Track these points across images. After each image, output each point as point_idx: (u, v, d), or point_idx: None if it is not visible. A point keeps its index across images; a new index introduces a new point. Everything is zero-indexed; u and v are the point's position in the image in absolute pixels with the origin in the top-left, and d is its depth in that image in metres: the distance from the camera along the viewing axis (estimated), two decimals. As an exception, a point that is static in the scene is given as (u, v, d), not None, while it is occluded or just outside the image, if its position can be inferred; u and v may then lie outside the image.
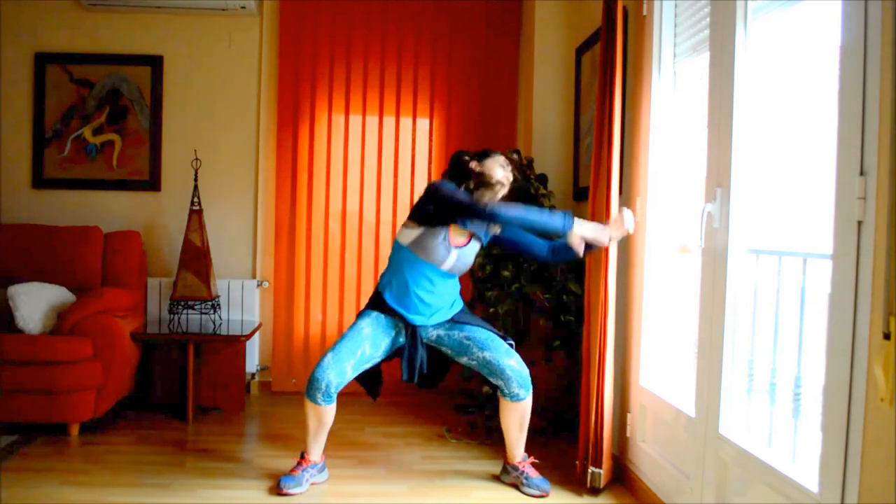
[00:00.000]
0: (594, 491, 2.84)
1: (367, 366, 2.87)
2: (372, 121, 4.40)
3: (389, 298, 2.86)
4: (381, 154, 4.40)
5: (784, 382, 2.05)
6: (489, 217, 2.66)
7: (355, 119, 4.40)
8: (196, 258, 3.97)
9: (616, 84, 2.80)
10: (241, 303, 4.29)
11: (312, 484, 2.89)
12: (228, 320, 4.19)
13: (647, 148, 2.87)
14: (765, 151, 2.16)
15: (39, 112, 4.29)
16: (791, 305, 2.03)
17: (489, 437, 3.47)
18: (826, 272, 1.71)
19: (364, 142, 4.40)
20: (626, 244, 3.04)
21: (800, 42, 2.06)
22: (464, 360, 2.89)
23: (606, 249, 2.79)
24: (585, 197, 3.28)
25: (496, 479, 3.01)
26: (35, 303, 3.53)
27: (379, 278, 2.97)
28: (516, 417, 2.90)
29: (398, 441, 3.50)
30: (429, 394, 4.33)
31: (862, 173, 1.57)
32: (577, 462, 2.93)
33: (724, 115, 2.23)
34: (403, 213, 4.39)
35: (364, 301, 4.39)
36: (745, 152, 2.18)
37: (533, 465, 2.95)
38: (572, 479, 2.95)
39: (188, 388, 3.73)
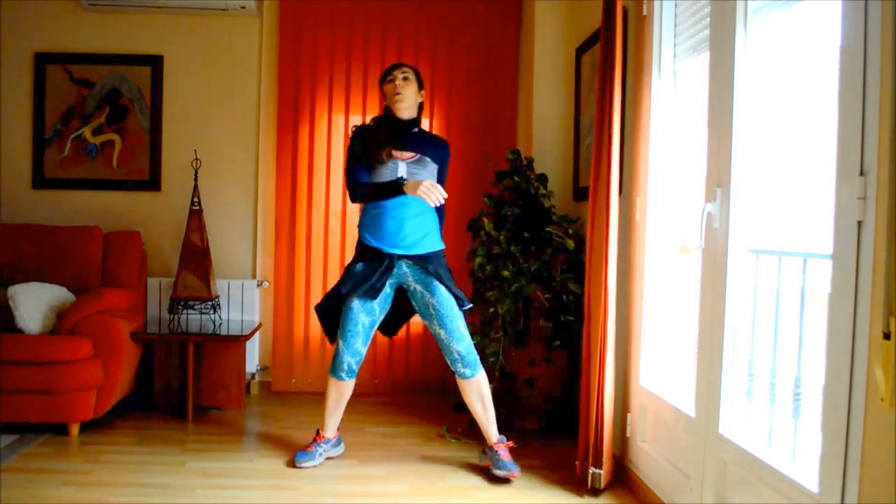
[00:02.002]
0: (595, 491, 2.84)
1: (374, 328, 3.10)
2: (372, 121, 4.40)
3: (367, 236, 3.05)
4: (381, 154, 4.39)
5: (784, 382, 2.05)
6: (353, 192, 3.11)
7: (355, 119, 4.39)
8: (196, 258, 3.97)
9: (616, 84, 2.80)
10: (241, 303, 4.29)
11: (328, 458, 3.16)
12: (228, 320, 4.19)
13: (647, 148, 2.87)
14: (765, 151, 2.16)
15: (39, 112, 4.30)
16: (791, 305, 2.03)
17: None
18: (826, 272, 1.71)
19: (364, 142, 4.40)
20: (626, 244, 3.04)
21: (800, 42, 2.06)
22: (426, 322, 3.10)
23: (607, 249, 2.79)
24: (585, 197, 3.28)
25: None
26: (35, 303, 3.53)
27: (358, 230, 3.14)
28: (474, 395, 3.07)
29: (398, 441, 3.50)
30: (429, 394, 4.33)
31: (862, 173, 1.57)
32: (577, 462, 2.93)
33: (724, 115, 2.23)
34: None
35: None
36: (745, 152, 2.18)
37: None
38: (572, 480, 2.95)
39: (188, 387, 3.73)
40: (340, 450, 3.26)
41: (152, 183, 4.34)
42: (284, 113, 4.36)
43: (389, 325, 3.27)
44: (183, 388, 3.82)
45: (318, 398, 4.25)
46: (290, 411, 4.00)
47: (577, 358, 3.44)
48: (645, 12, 2.89)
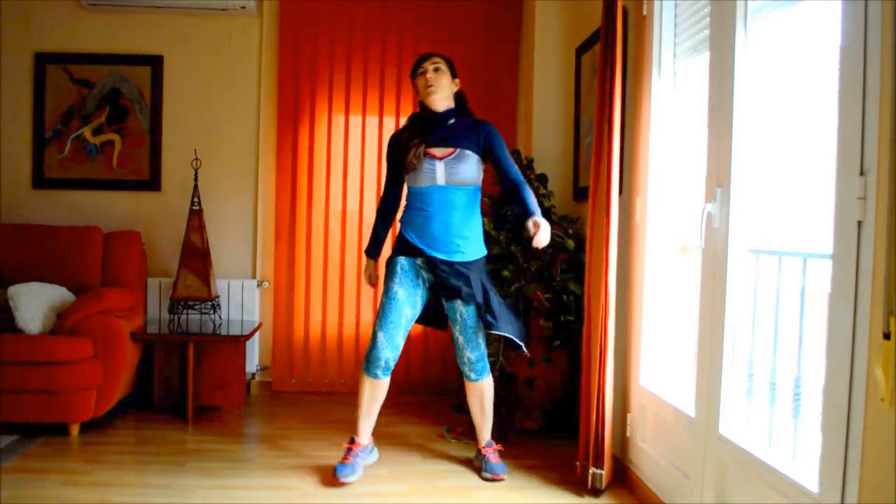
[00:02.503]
0: (595, 492, 2.84)
1: (412, 323, 3.02)
2: (372, 121, 4.40)
3: (410, 234, 2.96)
4: (380, 154, 4.40)
5: (784, 382, 2.05)
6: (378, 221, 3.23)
7: (355, 119, 4.40)
8: (196, 258, 3.97)
9: (616, 84, 2.80)
10: (241, 303, 4.29)
11: (365, 467, 3.03)
12: (228, 320, 4.19)
13: (647, 148, 2.87)
14: (765, 151, 2.16)
15: (39, 112, 4.30)
16: (791, 305, 2.03)
17: (489, 437, 3.47)
18: (826, 272, 1.71)
19: (364, 142, 4.40)
20: (626, 244, 3.04)
21: (800, 42, 2.05)
22: (450, 321, 3.02)
23: (607, 249, 2.79)
24: (585, 197, 3.28)
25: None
26: (35, 303, 3.53)
27: (399, 227, 3.08)
28: (474, 398, 3.06)
29: (398, 441, 3.49)
30: (429, 394, 4.33)
31: (862, 173, 1.57)
32: (578, 462, 2.93)
33: (724, 115, 2.23)
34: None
35: (364, 302, 4.40)
36: (745, 152, 2.18)
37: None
38: (573, 480, 2.95)
39: (188, 388, 3.73)
40: (375, 456, 3.14)
41: (152, 183, 4.34)
42: (284, 113, 4.36)
43: (436, 318, 3.14)
44: (183, 388, 3.82)
45: (318, 398, 4.26)
46: (290, 411, 4.00)
47: (577, 358, 3.44)
48: (645, 12, 2.89)
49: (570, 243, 3.44)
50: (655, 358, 2.84)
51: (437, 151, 2.91)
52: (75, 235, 3.94)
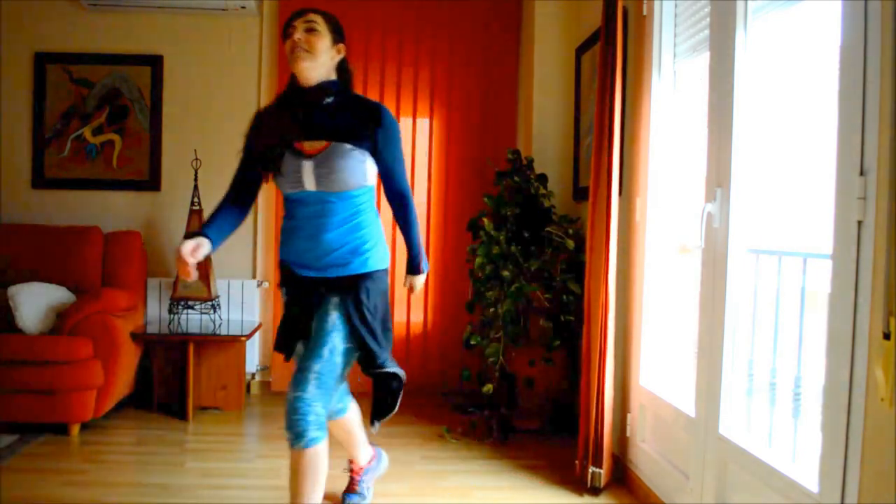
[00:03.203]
0: (594, 491, 2.84)
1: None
2: (372, 121, 4.40)
3: (281, 250, 2.34)
4: (381, 154, 4.39)
5: (784, 382, 2.05)
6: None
7: (355, 119, 4.39)
8: (196, 258, 3.96)
9: (616, 84, 2.80)
10: (241, 303, 4.29)
11: (376, 480, 2.78)
12: (228, 320, 4.19)
13: (647, 148, 2.87)
14: (765, 151, 2.16)
15: (39, 112, 4.30)
16: (791, 305, 2.03)
17: (489, 436, 3.47)
18: (826, 272, 1.71)
19: (364, 142, 4.39)
20: (626, 244, 3.04)
21: (800, 42, 2.06)
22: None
23: (607, 249, 2.79)
24: (585, 197, 3.28)
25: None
26: (35, 303, 3.53)
27: None
28: (339, 429, 2.62)
29: (398, 441, 3.49)
30: (429, 394, 4.33)
31: (862, 173, 1.57)
32: (577, 462, 2.93)
33: (724, 115, 2.23)
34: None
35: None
36: (745, 152, 2.18)
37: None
38: (572, 479, 2.95)
39: (188, 388, 3.73)
40: (384, 464, 2.82)
41: (152, 183, 4.34)
42: (284, 113, 4.35)
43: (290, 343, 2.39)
44: (183, 388, 3.82)
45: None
46: (290, 411, 4.00)
47: (577, 358, 3.44)
48: (645, 12, 2.89)
49: (570, 243, 3.44)
50: (655, 358, 2.84)
51: (306, 145, 2.18)
52: (75, 235, 3.94)
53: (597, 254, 2.86)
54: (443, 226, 4.39)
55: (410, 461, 3.22)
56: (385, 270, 2.34)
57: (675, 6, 2.76)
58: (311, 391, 2.12)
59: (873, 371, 1.50)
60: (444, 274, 4.39)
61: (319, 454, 2.13)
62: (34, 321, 3.49)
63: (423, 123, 4.42)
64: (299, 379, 2.14)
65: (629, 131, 3.02)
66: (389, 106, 4.39)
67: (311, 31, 2.19)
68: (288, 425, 2.10)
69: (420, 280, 2.57)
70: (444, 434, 3.57)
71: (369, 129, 2.20)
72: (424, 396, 4.31)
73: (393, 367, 2.37)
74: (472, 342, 3.61)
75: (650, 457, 2.77)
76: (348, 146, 2.17)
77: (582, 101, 3.74)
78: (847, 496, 1.59)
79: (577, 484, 2.90)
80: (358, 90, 4.28)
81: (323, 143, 2.18)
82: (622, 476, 2.96)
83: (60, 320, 3.50)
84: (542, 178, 3.73)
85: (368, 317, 2.23)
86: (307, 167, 2.18)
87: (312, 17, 2.20)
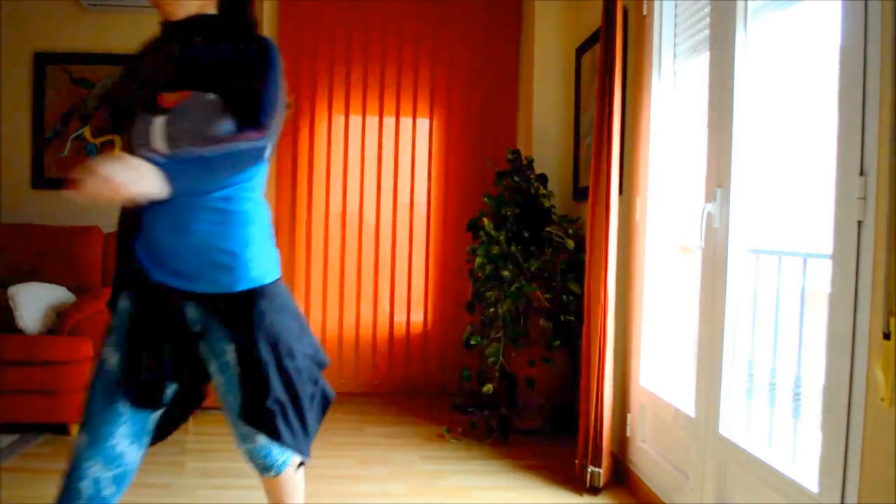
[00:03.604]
0: (593, 490, 2.84)
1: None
2: (372, 121, 4.40)
3: (138, 248, 1.66)
4: (381, 154, 4.40)
5: (784, 382, 2.05)
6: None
7: (355, 119, 4.40)
8: (196, 258, 3.96)
9: (616, 84, 2.80)
10: (241, 303, 4.28)
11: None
12: (228, 320, 4.18)
13: (647, 148, 2.87)
14: (765, 151, 2.16)
15: (39, 112, 4.29)
16: (791, 305, 2.03)
17: (489, 436, 3.47)
18: (826, 272, 1.71)
19: (364, 142, 4.40)
20: (626, 244, 3.04)
21: (800, 42, 2.06)
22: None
23: (607, 249, 2.79)
24: (585, 197, 3.28)
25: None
26: (35, 303, 3.53)
27: None
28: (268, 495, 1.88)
29: (398, 441, 3.49)
30: (429, 394, 4.33)
31: (862, 173, 1.57)
32: (577, 461, 2.93)
33: (724, 115, 2.23)
34: (404, 213, 4.40)
35: (364, 302, 4.39)
36: (745, 152, 2.18)
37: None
38: (572, 479, 2.95)
39: (188, 388, 3.72)
40: None
41: (152, 183, 4.33)
42: (284, 113, 4.35)
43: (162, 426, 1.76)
44: (183, 388, 3.81)
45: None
46: (290, 411, 3.99)
47: (577, 358, 3.44)
48: (645, 12, 2.89)
49: (570, 243, 3.44)
50: (655, 358, 2.84)
51: (169, 96, 1.64)
52: (75, 235, 3.94)
53: (597, 254, 2.86)
54: (443, 226, 4.39)
55: (410, 461, 3.22)
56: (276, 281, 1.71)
57: (675, 6, 2.76)
58: None
59: (873, 371, 1.50)
60: (444, 274, 4.39)
61: None
62: (34, 321, 3.48)
63: (423, 124, 4.41)
64: None
65: (629, 131, 3.02)
66: (390, 106, 4.39)
67: None
68: None
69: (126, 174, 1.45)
70: (444, 434, 3.57)
71: (233, 63, 1.64)
72: (424, 396, 4.31)
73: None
74: (472, 342, 3.61)
75: (650, 457, 2.77)
76: (209, 95, 1.59)
77: (582, 101, 3.74)
78: (847, 496, 1.59)
79: (577, 484, 2.90)
80: (357, 90, 4.37)
81: (179, 95, 1.62)
82: (622, 476, 2.96)
83: (60, 320, 3.49)
84: (542, 178, 3.73)
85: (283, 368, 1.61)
86: (157, 124, 1.58)
87: None
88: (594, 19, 3.42)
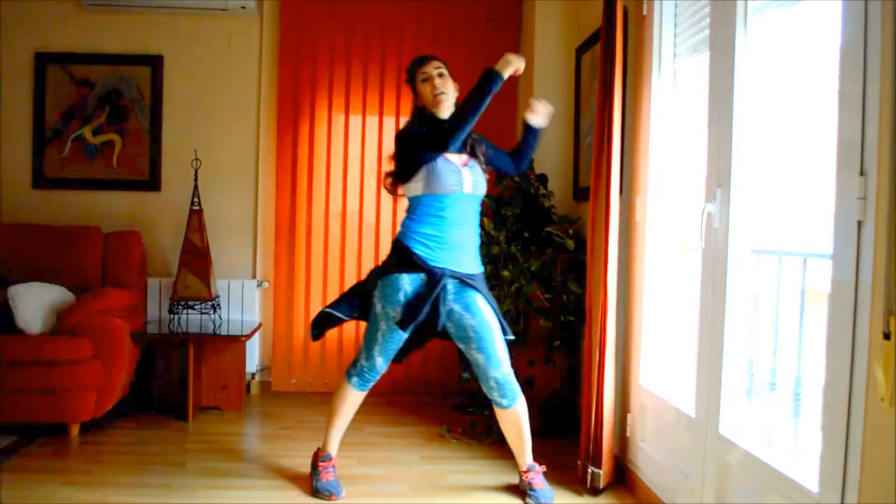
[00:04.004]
0: (594, 491, 2.84)
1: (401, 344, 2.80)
2: (372, 121, 4.40)
3: (418, 246, 2.68)
4: (381, 154, 4.40)
5: (784, 382, 2.05)
6: (448, 129, 2.67)
7: (355, 119, 4.40)
8: (196, 258, 3.97)
9: (616, 84, 2.80)
10: (241, 303, 4.29)
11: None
12: (228, 320, 4.19)
13: (647, 148, 2.87)
14: (765, 151, 2.16)
15: (39, 112, 4.29)
16: (791, 305, 2.03)
17: (489, 436, 3.47)
18: (826, 272, 1.71)
19: (364, 142, 4.40)
20: (626, 244, 3.04)
21: (800, 42, 2.06)
22: (461, 346, 2.76)
23: (607, 249, 2.79)
24: (586, 197, 3.28)
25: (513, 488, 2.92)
26: (35, 303, 3.53)
27: (399, 233, 2.77)
28: (508, 424, 2.81)
29: (398, 441, 3.49)
30: (429, 394, 4.33)
31: (862, 173, 1.57)
32: (578, 462, 2.93)
33: (724, 115, 2.23)
34: (403, 213, 4.38)
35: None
36: (745, 152, 2.18)
37: (544, 472, 2.88)
38: (573, 480, 2.95)
39: (188, 388, 3.73)
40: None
41: (152, 183, 4.34)
42: (284, 113, 4.36)
43: (402, 350, 2.85)
44: (183, 388, 3.82)
45: (318, 398, 4.26)
46: (290, 411, 4.00)
47: (577, 358, 3.44)
48: (645, 12, 2.89)
49: (570, 243, 3.44)
50: (655, 358, 2.84)
51: (454, 158, 2.73)
52: (75, 235, 3.94)
53: (597, 254, 2.86)
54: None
55: (410, 461, 3.22)
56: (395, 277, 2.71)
57: (675, 6, 2.76)
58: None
59: (873, 371, 1.50)
60: (444, 274, 4.38)
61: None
62: (34, 321, 3.49)
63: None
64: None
65: (629, 131, 3.02)
66: (390, 106, 4.40)
67: (442, 75, 2.83)
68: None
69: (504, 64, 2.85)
70: (444, 434, 3.57)
71: (483, 146, 2.88)
72: (424, 396, 4.31)
73: None
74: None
75: (650, 457, 2.77)
76: (477, 161, 2.84)
77: (582, 101, 3.74)
78: (847, 496, 1.58)
79: (578, 484, 2.90)
80: (357, 90, 4.37)
81: (465, 157, 2.79)
82: (622, 476, 2.96)
83: (60, 320, 3.50)
84: (542, 178, 3.73)
85: None
86: (466, 173, 2.74)
87: (439, 64, 2.87)
88: (594, 19, 3.42)
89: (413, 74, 2.85)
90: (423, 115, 2.82)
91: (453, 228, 2.70)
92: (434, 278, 2.65)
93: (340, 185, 4.39)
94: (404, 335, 2.73)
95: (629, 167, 3.03)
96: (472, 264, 2.75)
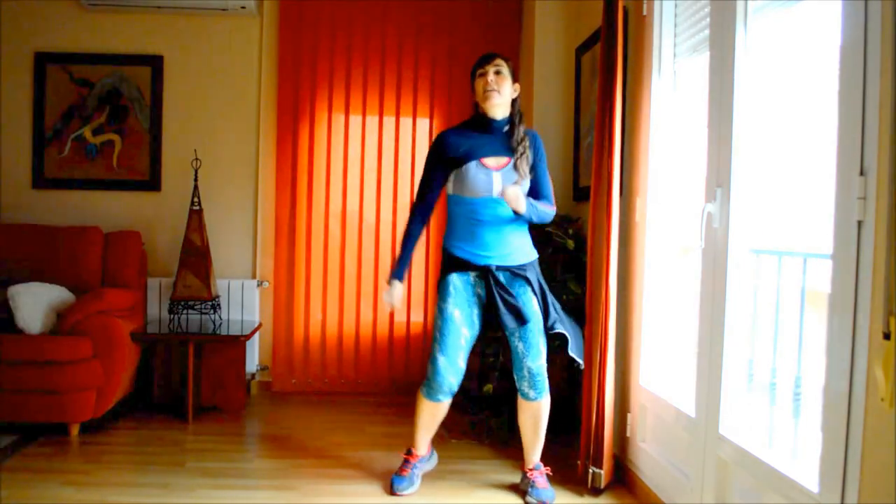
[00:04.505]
0: (595, 491, 2.84)
1: (473, 342, 2.82)
2: (372, 121, 4.40)
3: (457, 247, 2.78)
4: (381, 154, 4.40)
5: (784, 382, 2.05)
6: (413, 209, 2.91)
7: (355, 119, 4.40)
8: (196, 258, 3.97)
9: (616, 84, 2.80)
10: (241, 303, 4.29)
11: (424, 474, 2.96)
12: (228, 320, 4.19)
13: (647, 148, 2.87)
14: (765, 151, 2.16)
15: (39, 112, 4.29)
16: (791, 305, 2.03)
17: (489, 437, 3.47)
18: (826, 272, 1.71)
19: (364, 142, 4.40)
20: (626, 244, 3.04)
21: (800, 42, 2.06)
22: (506, 332, 2.79)
23: (607, 249, 2.79)
24: (586, 197, 3.28)
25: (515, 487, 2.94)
26: (35, 303, 3.53)
27: (443, 240, 2.89)
28: (528, 417, 2.84)
29: (398, 441, 3.49)
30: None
31: (862, 173, 1.57)
32: (578, 462, 2.93)
33: (724, 115, 2.23)
34: (403, 212, 4.39)
35: (364, 302, 4.40)
36: (745, 152, 2.18)
37: (549, 474, 2.90)
38: (573, 480, 2.95)
39: (188, 388, 3.73)
40: (434, 461, 3.05)
41: (152, 183, 4.34)
42: (284, 113, 4.36)
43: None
44: (183, 388, 3.82)
45: (318, 398, 4.27)
46: (290, 411, 4.00)
47: (577, 358, 3.43)
48: (645, 12, 2.89)
49: (570, 243, 3.44)
50: (655, 358, 2.84)
51: (490, 161, 2.74)
52: (75, 235, 3.94)
53: (597, 254, 2.86)
54: (443, 226, 4.38)
55: (410, 461, 3.21)
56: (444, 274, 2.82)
57: (675, 6, 2.76)
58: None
59: (873, 371, 1.50)
60: (444, 274, 4.39)
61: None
62: (34, 321, 3.49)
63: (423, 123, 4.42)
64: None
65: (629, 131, 3.02)
66: (390, 106, 4.39)
67: (498, 73, 2.77)
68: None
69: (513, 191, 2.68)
70: (444, 434, 3.57)
71: (532, 149, 2.81)
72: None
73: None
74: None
75: (650, 457, 2.77)
76: (523, 163, 2.77)
77: (582, 101, 3.74)
78: (847, 496, 1.59)
79: (578, 484, 2.90)
80: (357, 90, 4.37)
81: (505, 160, 2.76)
82: (622, 476, 2.96)
83: (60, 320, 3.50)
84: (542, 178, 3.73)
85: None
86: (496, 177, 2.73)
87: (500, 61, 2.79)
88: (594, 19, 3.42)
89: (474, 71, 2.85)
90: (476, 109, 2.87)
91: (489, 228, 2.74)
92: (482, 272, 2.74)
93: (340, 185, 4.39)
94: (458, 327, 2.73)
95: (629, 167, 3.03)
96: (518, 256, 2.78)
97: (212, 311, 4.04)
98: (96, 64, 4.30)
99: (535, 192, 2.82)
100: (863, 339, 1.55)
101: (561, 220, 3.59)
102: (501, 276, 2.74)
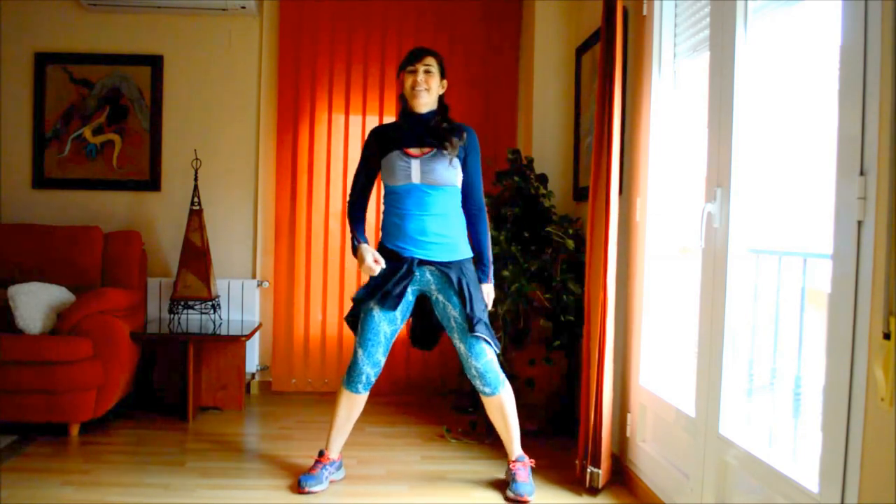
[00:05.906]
0: (593, 491, 2.84)
1: (394, 337, 2.87)
2: (372, 121, 4.39)
3: (387, 241, 2.86)
4: (381, 154, 4.39)
5: (784, 382, 2.05)
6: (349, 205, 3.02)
7: (355, 119, 4.40)
8: (196, 258, 3.97)
9: (616, 84, 2.80)
10: (241, 303, 4.29)
11: (331, 482, 2.91)
12: (228, 320, 4.19)
13: (647, 148, 2.87)
14: (765, 151, 2.16)
15: (39, 112, 4.30)
16: (791, 305, 2.03)
17: (489, 436, 3.47)
18: (826, 272, 1.71)
19: (364, 142, 4.39)
20: (626, 244, 3.04)
21: (800, 42, 2.06)
22: (448, 335, 2.87)
23: (606, 249, 2.79)
24: (585, 197, 3.28)
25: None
26: (35, 303, 3.53)
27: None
28: (493, 411, 2.87)
29: (398, 441, 3.50)
30: (429, 394, 4.33)
31: (862, 173, 1.57)
32: (577, 462, 2.93)
33: (724, 115, 2.23)
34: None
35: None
36: (745, 152, 2.18)
37: (533, 467, 2.92)
38: (572, 479, 2.95)
39: (188, 388, 3.73)
40: (341, 474, 2.99)
41: (152, 183, 4.34)
42: (284, 113, 4.36)
43: (423, 338, 3.03)
44: (183, 388, 3.82)
45: (318, 398, 4.26)
46: (289, 411, 4.00)
47: (577, 358, 3.44)
48: (645, 12, 2.89)
49: (570, 243, 3.44)
50: (655, 358, 2.84)
51: (413, 150, 2.81)
52: (75, 235, 3.94)
53: (597, 254, 2.86)
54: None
55: (410, 461, 3.22)
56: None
57: (675, 6, 2.76)
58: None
59: (873, 371, 1.50)
60: (444, 274, 4.39)
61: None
62: (34, 321, 3.49)
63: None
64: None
65: (629, 131, 3.02)
66: (390, 106, 4.39)
67: (427, 72, 2.85)
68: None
69: (490, 296, 2.95)
70: (444, 434, 3.57)
71: (461, 142, 2.84)
72: (424, 396, 4.31)
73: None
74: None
75: (650, 457, 2.77)
76: (446, 153, 2.80)
77: (582, 101, 3.74)
78: (847, 496, 1.59)
79: (577, 484, 2.90)
80: (357, 90, 4.37)
81: (427, 149, 2.81)
82: (622, 476, 2.96)
83: (60, 320, 3.50)
84: (542, 178, 3.73)
85: None
86: (414, 165, 2.78)
87: (430, 61, 2.86)
88: (594, 19, 3.42)
89: (403, 65, 2.89)
90: (404, 104, 2.92)
91: (416, 218, 2.79)
92: (404, 262, 2.78)
93: (340, 185, 4.39)
94: (377, 323, 2.80)
95: (629, 167, 3.03)
96: (443, 252, 2.80)
97: (212, 311, 4.04)
98: (96, 64, 4.30)
99: (466, 188, 2.89)
100: (863, 339, 1.55)
101: (561, 220, 3.60)
102: (429, 274, 2.81)
